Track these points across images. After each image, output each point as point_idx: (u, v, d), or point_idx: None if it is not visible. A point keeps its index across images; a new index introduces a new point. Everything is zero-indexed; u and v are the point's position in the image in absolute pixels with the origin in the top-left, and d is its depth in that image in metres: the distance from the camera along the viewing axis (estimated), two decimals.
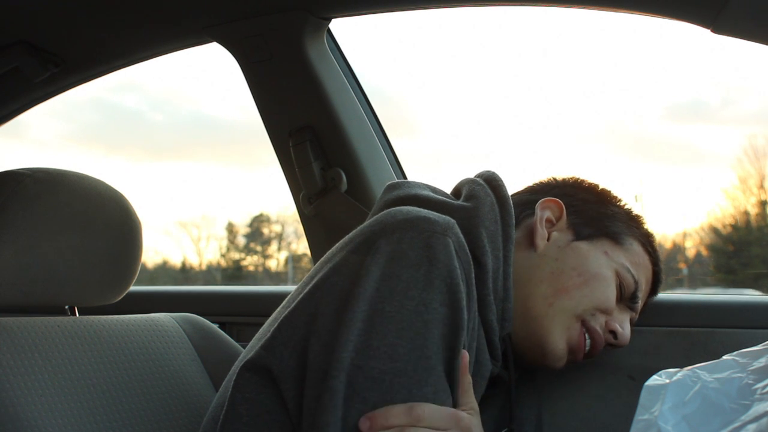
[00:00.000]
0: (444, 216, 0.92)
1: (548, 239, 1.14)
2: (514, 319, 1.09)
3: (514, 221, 1.09)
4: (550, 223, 1.16)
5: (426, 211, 0.92)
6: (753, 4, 1.07)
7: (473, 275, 0.93)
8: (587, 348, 1.13)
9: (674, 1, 1.14)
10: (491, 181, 1.12)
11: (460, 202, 1.07)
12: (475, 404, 0.92)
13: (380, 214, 0.93)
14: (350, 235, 0.95)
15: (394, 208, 0.93)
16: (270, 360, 0.89)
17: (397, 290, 0.85)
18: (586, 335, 1.12)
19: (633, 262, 1.16)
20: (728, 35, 1.14)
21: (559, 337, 1.10)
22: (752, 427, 0.85)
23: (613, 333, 1.13)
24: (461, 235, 0.91)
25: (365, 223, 0.94)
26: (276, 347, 0.89)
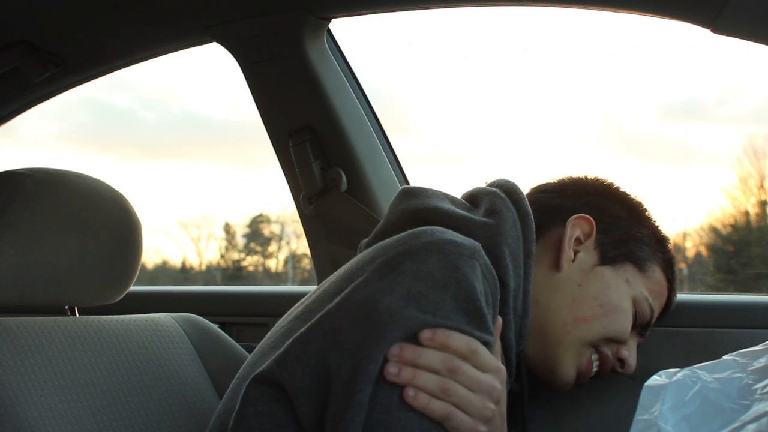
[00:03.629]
0: (469, 239, 0.90)
1: (573, 259, 1.12)
2: (529, 338, 1.08)
3: (535, 237, 1.07)
4: (578, 242, 1.13)
5: (451, 232, 0.91)
6: (753, 4, 1.07)
7: (498, 296, 0.92)
8: (593, 372, 1.13)
9: (674, 1, 1.14)
10: (512, 194, 1.09)
11: (481, 218, 1.04)
12: (501, 365, 0.93)
13: (403, 234, 0.92)
14: (371, 252, 0.93)
15: (417, 229, 0.91)
16: (282, 375, 0.87)
17: (426, 310, 0.84)
18: (594, 362, 1.12)
19: (652, 290, 1.15)
20: (728, 35, 1.14)
21: (571, 366, 1.10)
22: (752, 427, 0.85)
23: (621, 361, 1.13)
24: (487, 259, 0.90)
25: (387, 242, 0.93)
26: (289, 362, 0.88)
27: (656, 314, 1.17)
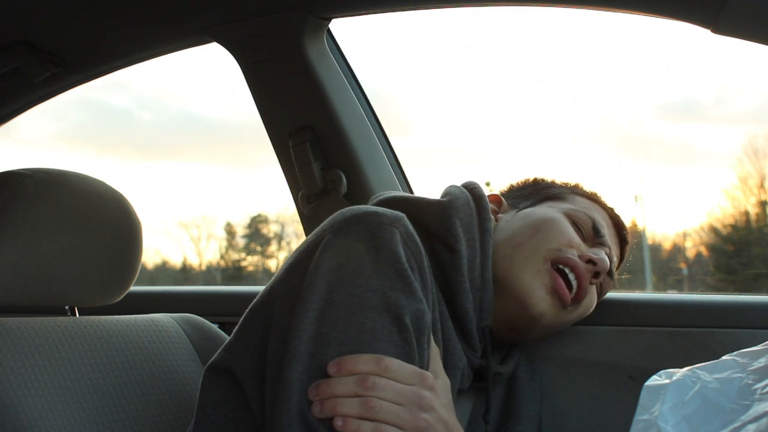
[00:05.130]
0: (394, 211, 0.94)
1: (496, 221, 1.20)
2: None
3: (490, 215, 1.14)
4: (494, 213, 1.22)
5: (375, 207, 0.94)
6: (753, 4, 1.07)
7: (426, 265, 0.93)
8: (574, 286, 1.13)
9: (674, 1, 1.14)
10: (467, 184, 1.18)
11: (435, 198, 1.12)
12: (443, 373, 0.94)
13: (333, 214, 0.96)
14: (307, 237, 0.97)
15: (345, 209, 0.95)
16: (232, 362, 0.91)
17: (346, 279, 0.86)
18: (567, 270, 1.12)
19: (581, 206, 1.21)
20: (728, 35, 1.14)
21: (531, 280, 1.11)
22: (752, 427, 0.85)
23: (591, 262, 1.14)
24: (411, 228, 0.93)
25: (322, 224, 0.97)
26: (237, 350, 0.91)
27: (602, 225, 1.20)
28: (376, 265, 0.87)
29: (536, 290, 1.10)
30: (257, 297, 0.94)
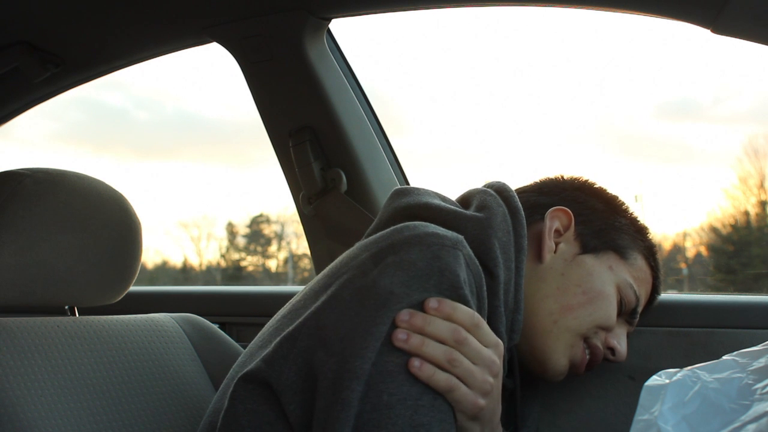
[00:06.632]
0: (452, 232, 0.92)
1: (555, 251, 1.14)
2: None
3: (526, 232, 1.08)
4: (558, 234, 1.15)
5: (434, 226, 0.92)
6: (753, 4, 1.07)
7: (485, 288, 0.92)
8: (586, 359, 1.14)
9: (674, 1, 1.14)
10: (502, 192, 1.11)
11: (471, 212, 1.06)
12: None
13: (387, 230, 0.93)
14: (356, 249, 0.94)
15: (401, 225, 0.92)
16: (270, 373, 0.88)
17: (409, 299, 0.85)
18: (586, 351, 1.13)
19: (636, 277, 1.16)
20: (728, 35, 1.14)
21: (562, 355, 1.11)
22: (752, 427, 0.85)
23: (612, 350, 1.15)
24: (470, 250, 0.91)
25: (372, 238, 0.94)
26: (276, 361, 0.89)
27: (642, 302, 1.18)
28: (438, 287, 0.86)
29: (560, 359, 1.12)
30: (308, 312, 0.90)
